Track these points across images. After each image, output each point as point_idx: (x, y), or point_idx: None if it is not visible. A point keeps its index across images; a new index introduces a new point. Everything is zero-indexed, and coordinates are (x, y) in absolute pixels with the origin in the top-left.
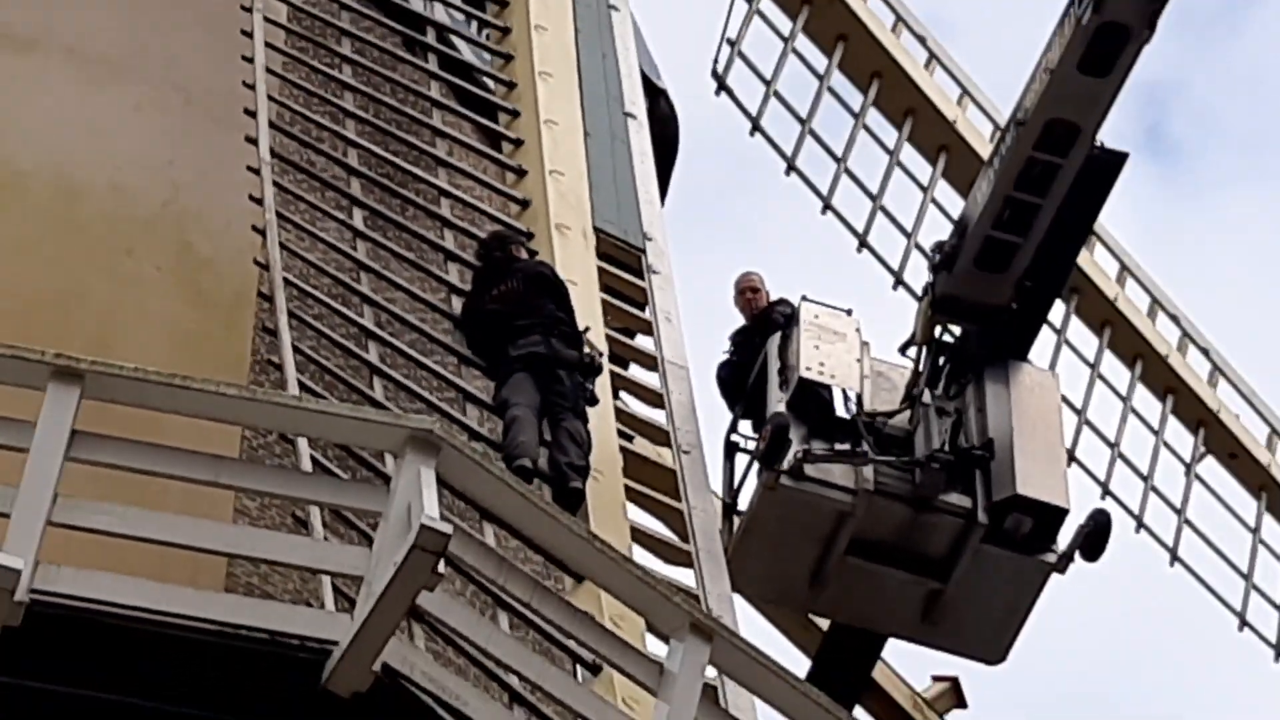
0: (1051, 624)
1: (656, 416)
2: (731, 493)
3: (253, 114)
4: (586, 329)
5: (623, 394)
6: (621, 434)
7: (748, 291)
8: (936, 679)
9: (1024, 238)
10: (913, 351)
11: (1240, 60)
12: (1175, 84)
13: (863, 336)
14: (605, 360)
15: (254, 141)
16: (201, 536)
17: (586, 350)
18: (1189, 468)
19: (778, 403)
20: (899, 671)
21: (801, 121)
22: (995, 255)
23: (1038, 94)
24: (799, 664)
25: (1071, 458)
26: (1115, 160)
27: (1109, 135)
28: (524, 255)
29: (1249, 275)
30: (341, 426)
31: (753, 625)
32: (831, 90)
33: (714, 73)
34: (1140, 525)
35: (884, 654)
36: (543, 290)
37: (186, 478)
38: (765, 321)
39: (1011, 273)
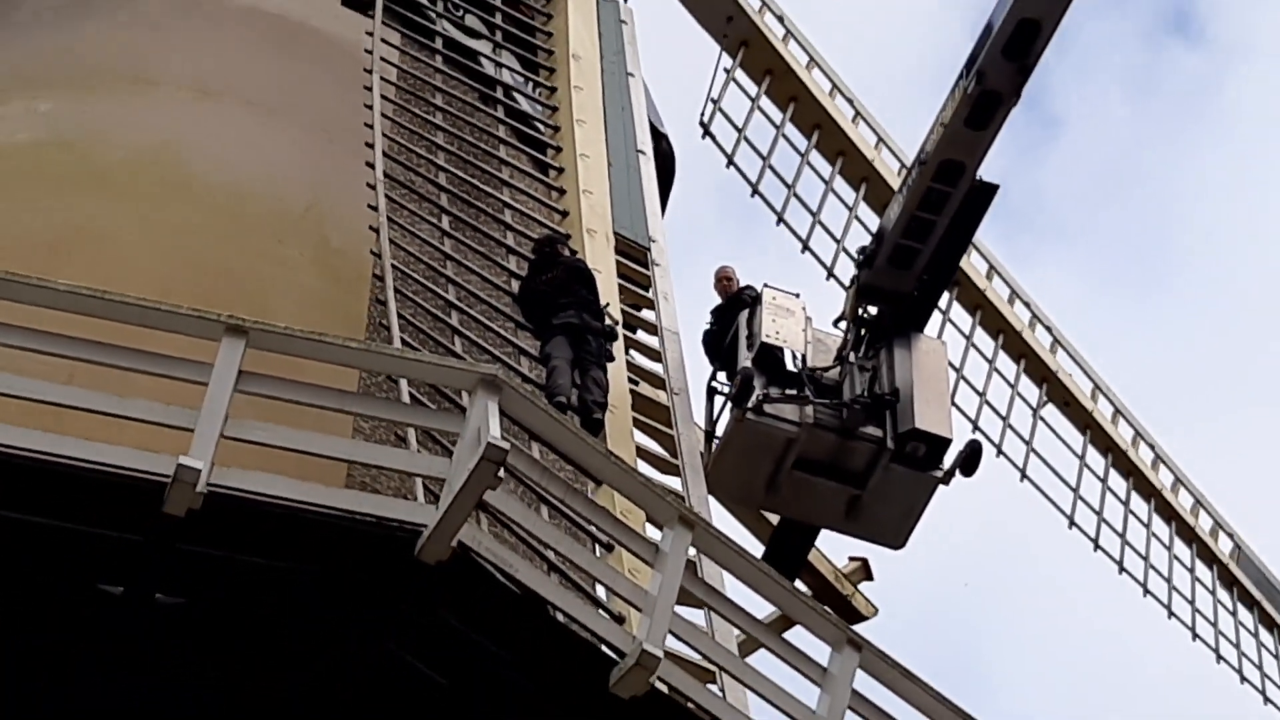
0: (936, 523)
1: (656, 368)
2: (710, 424)
3: (371, 146)
4: (607, 304)
5: (632, 351)
6: (630, 380)
7: (724, 280)
8: (852, 559)
9: (923, 244)
10: (843, 325)
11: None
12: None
13: (807, 313)
14: (620, 328)
15: (371, 165)
16: (332, 448)
17: (607, 321)
18: (1035, 411)
19: (745, 360)
20: (825, 553)
21: (763, 159)
22: (903, 256)
23: (935, 141)
24: (756, 548)
25: (953, 403)
26: (989, 190)
27: (985, 171)
28: (566, 253)
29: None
30: (432, 371)
31: (722, 519)
32: (785, 137)
33: (701, 122)
34: (1000, 452)
35: (816, 541)
36: (578, 278)
37: (324, 406)
38: (737, 301)
39: (914, 269)
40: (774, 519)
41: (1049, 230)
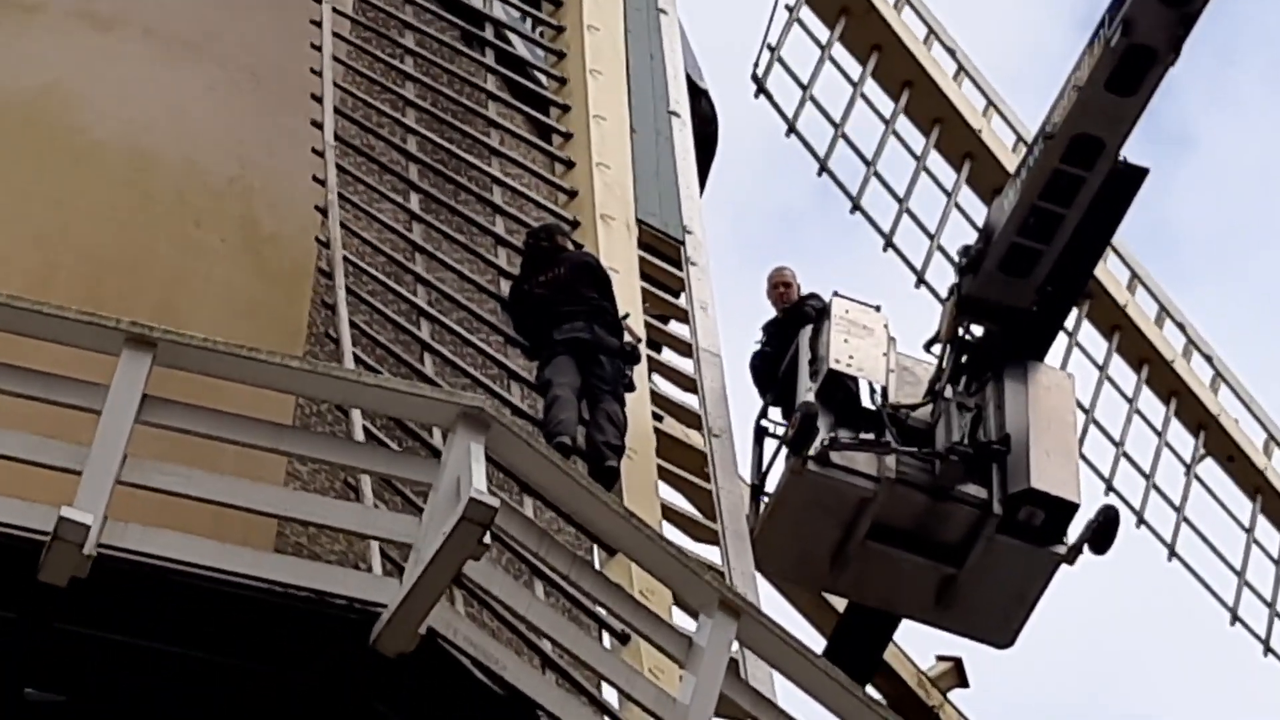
0: (1055, 611)
1: (689, 400)
2: (759, 476)
3: (319, 99)
4: (626, 315)
5: (657, 377)
6: (655, 415)
7: (780, 286)
8: (941, 659)
9: (1047, 245)
10: (937, 348)
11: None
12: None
13: (890, 332)
14: (642, 344)
15: (319, 125)
16: (262, 500)
17: (627, 338)
18: (1189, 468)
19: (807, 392)
20: (905, 651)
21: (835, 125)
22: (1019, 260)
23: (1066, 109)
24: (817, 642)
25: (1081, 455)
26: (1136, 174)
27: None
28: (570, 246)
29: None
30: (398, 401)
31: (774, 604)
32: (864, 97)
33: (754, 76)
34: (1141, 521)
35: (895, 635)
36: (588, 279)
37: (249, 444)
38: (797, 314)
39: (1034, 278)
40: (841, 604)
41: (1197, 240)
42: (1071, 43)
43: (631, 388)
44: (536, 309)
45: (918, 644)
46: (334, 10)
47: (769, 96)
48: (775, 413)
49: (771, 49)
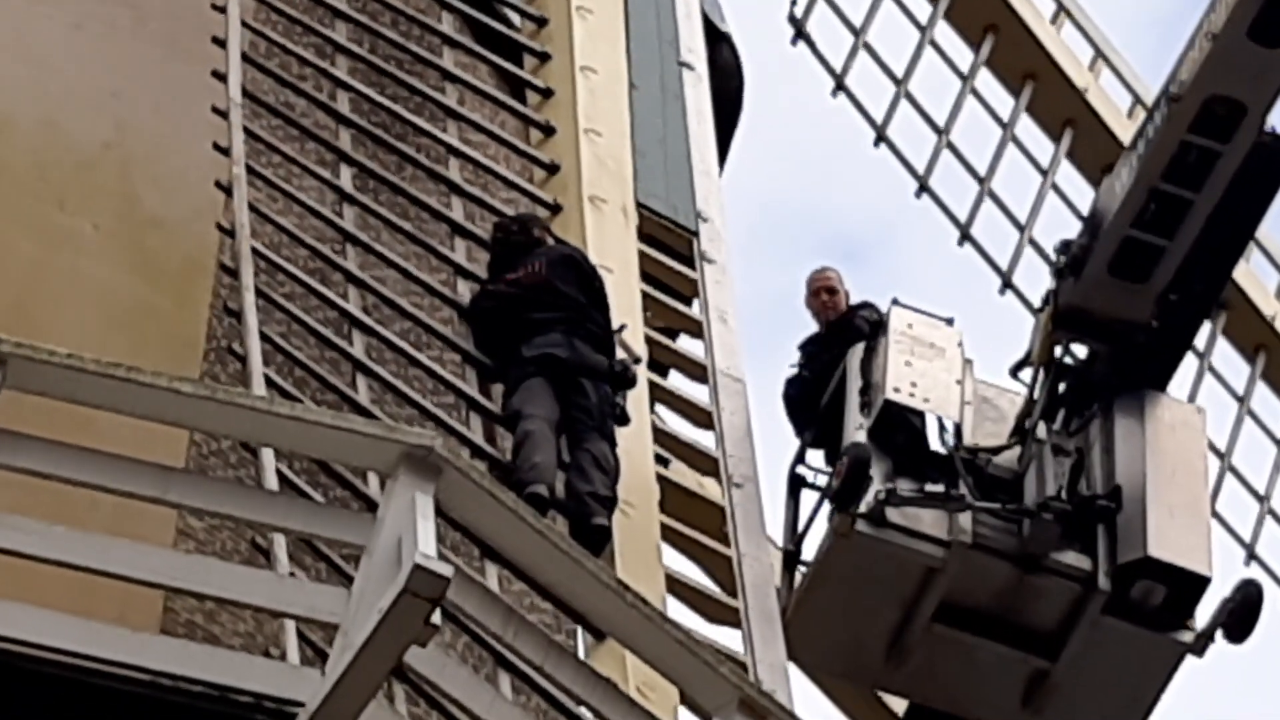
0: (1180, 716)
1: (703, 439)
2: (795, 538)
3: (222, 43)
4: (622, 328)
5: (662, 409)
6: (659, 459)
7: (823, 292)
8: None
9: (1171, 240)
10: (1027, 374)
11: None
12: None
13: (965, 353)
14: (644, 367)
15: (222, 78)
16: (142, 565)
17: (620, 356)
18: None
19: (857, 430)
20: None
21: (897, 82)
22: (1134, 260)
23: (1197, 64)
24: None
25: (1213, 513)
26: None
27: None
28: (550, 240)
29: None
30: (322, 438)
31: (809, 702)
32: (935, 45)
33: (791, 17)
34: None
35: None
36: (570, 277)
37: (127, 492)
38: (844, 329)
39: (1154, 283)
40: (900, 706)
41: None
42: None
43: (625, 421)
44: (502, 314)
45: None
46: None
47: (811, 44)
48: (816, 457)
49: None
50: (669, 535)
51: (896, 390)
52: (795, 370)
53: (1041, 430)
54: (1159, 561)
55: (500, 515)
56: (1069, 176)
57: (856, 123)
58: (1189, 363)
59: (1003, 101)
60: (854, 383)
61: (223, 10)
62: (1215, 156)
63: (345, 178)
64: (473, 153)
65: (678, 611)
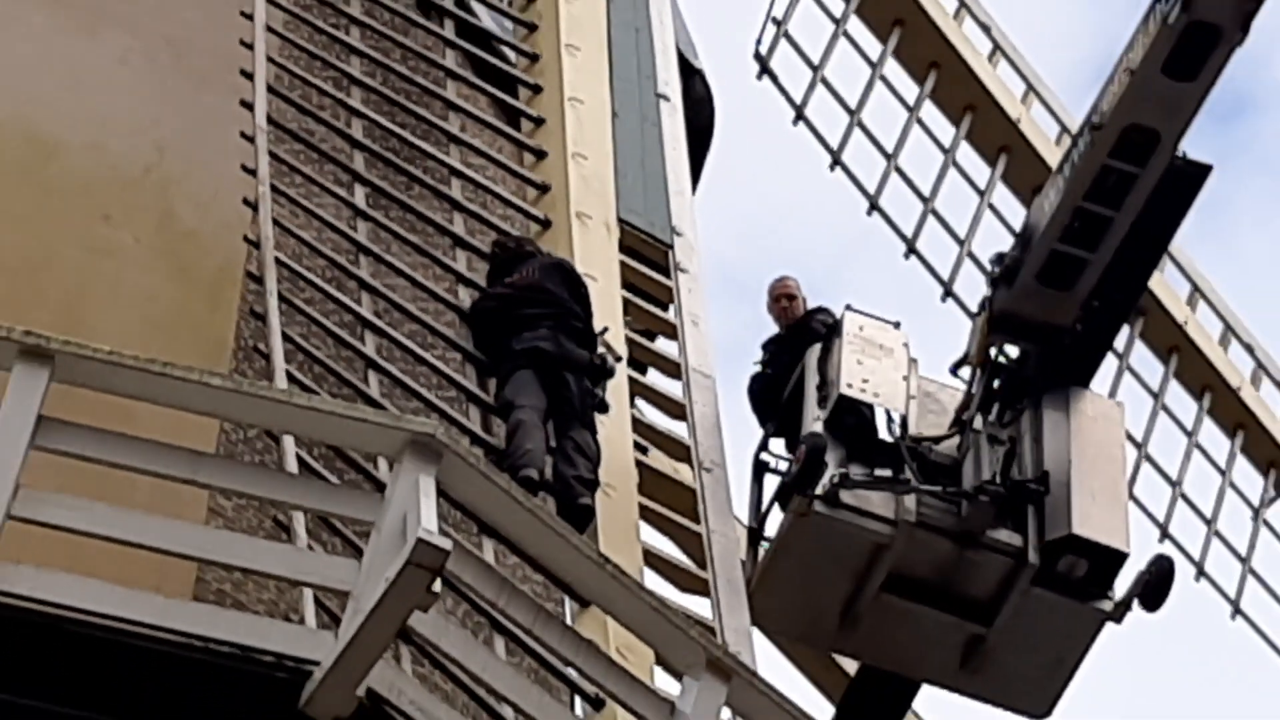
0: (1100, 676)
1: (677, 429)
2: (758, 517)
3: (250, 76)
4: (604, 330)
5: (640, 402)
6: (637, 446)
7: (783, 298)
8: None
9: (1093, 253)
10: (965, 372)
11: None
12: None
13: (911, 353)
14: (624, 364)
15: (249, 106)
16: (177, 539)
17: (599, 352)
18: (1257, 512)
19: (814, 421)
20: None
21: (850, 112)
22: (1061, 271)
23: (1116, 96)
24: (821, 709)
25: (1130, 496)
26: (1197, 173)
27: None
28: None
29: None
30: (337, 426)
31: (770, 663)
32: (885, 80)
33: (757, 54)
34: (1201, 573)
35: (914, 703)
36: (559, 280)
37: (163, 474)
38: (802, 331)
39: (1078, 291)
40: (852, 667)
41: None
42: (1125, 21)
43: (605, 409)
44: (496, 311)
45: (942, 713)
46: None
47: (774, 78)
48: (777, 445)
49: (777, 23)
50: (646, 514)
51: (849, 386)
52: (758, 368)
53: (978, 422)
54: (1082, 539)
55: (495, 496)
56: (1003, 196)
57: (815, 148)
58: (1109, 362)
59: (945, 130)
60: (811, 379)
61: (250, 47)
62: (1132, 179)
63: (359, 196)
64: (473, 174)
65: (653, 582)
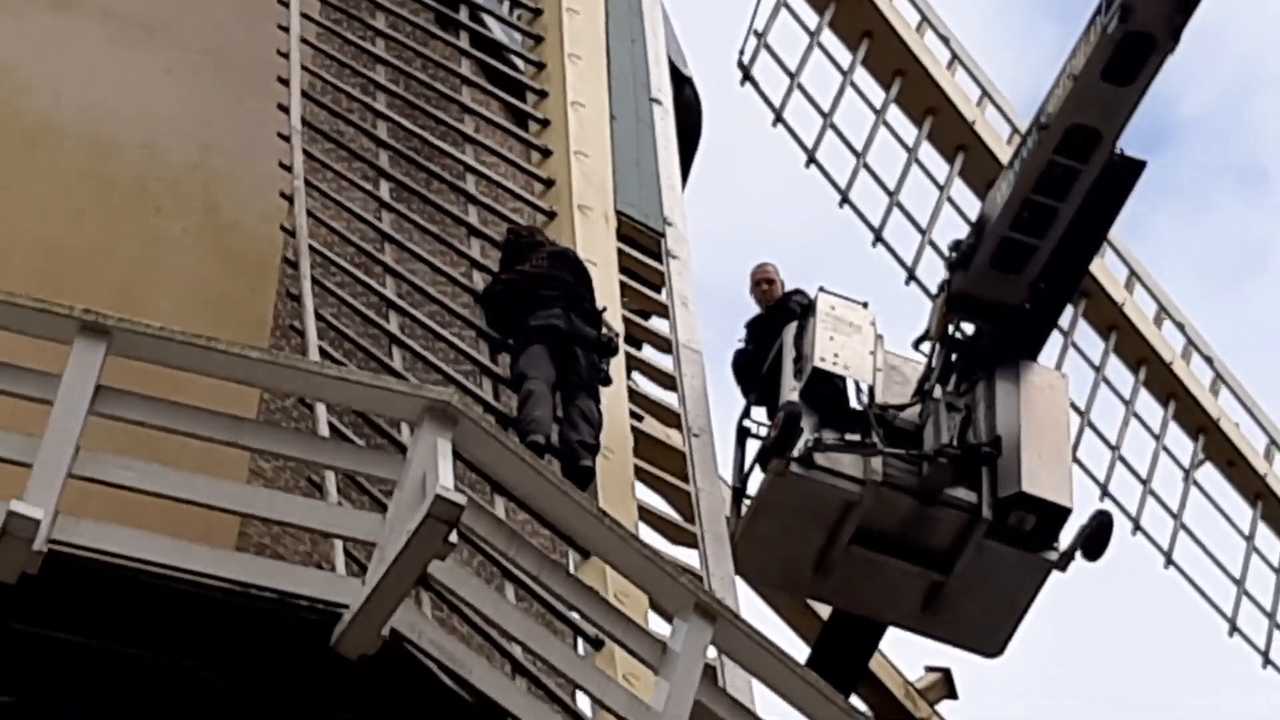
0: (1046, 620)
1: (668, 399)
2: (741, 478)
3: (285, 82)
4: (604, 309)
5: (636, 375)
6: (633, 414)
7: (763, 282)
8: (929, 669)
9: (1041, 240)
10: (926, 347)
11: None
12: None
13: (878, 330)
14: (620, 341)
15: (285, 109)
16: (221, 496)
17: (604, 330)
18: (1187, 473)
19: (791, 391)
20: (892, 660)
21: (824, 115)
22: (1011, 256)
23: (1061, 99)
24: (797, 650)
25: (1073, 458)
26: (1134, 167)
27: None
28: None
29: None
30: (363, 394)
31: (752, 608)
32: (854, 86)
33: (740, 63)
34: (1137, 528)
35: (881, 643)
36: (566, 267)
37: (208, 437)
38: (781, 311)
39: (1027, 274)
40: (825, 611)
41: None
42: (1069, 32)
43: (608, 382)
44: (513, 292)
45: (905, 653)
46: None
47: (755, 85)
48: (758, 413)
49: (758, 35)
50: (640, 475)
51: (822, 359)
52: (741, 344)
53: (937, 391)
54: (1031, 496)
55: (505, 457)
56: (960, 190)
57: (792, 148)
58: (1055, 338)
59: (908, 131)
60: (788, 354)
61: (286, 56)
62: (1075, 173)
63: (384, 190)
64: (486, 170)
65: (647, 535)
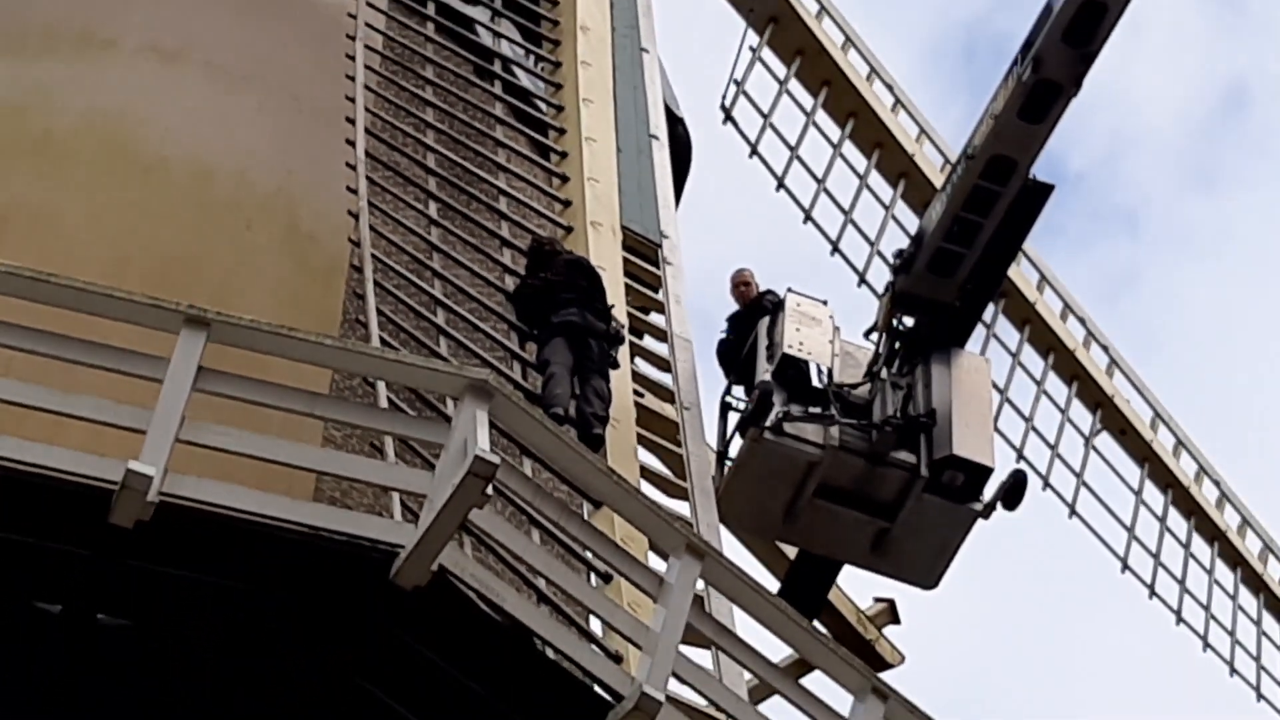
0: (972, 561)
1: (664, 379)
2: (724, 443)
3: (352, 121)
4: (612, 306)
5: (638, 359)
6: (635, 392)
7: (741, 284)
8: (877, 600)
9: (968, 249)
10: (875, 336)
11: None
12: None
13: (835, 323)
14: (625, 332)
15: (352, 143)
16: (301, 457)
17: (613, 324)
18: (1087, 440)
19: (764, 373)
20: (847, 592)
21: (790, 149)
22: (944, 262)
23: (984, 134)
24: (771, 583)
25: (995, 428)
26: (1043, 190)
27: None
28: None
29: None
30: (415, 375)
31: (734, 550)
32: (816, 125)
33: (722, 106)
34: (1046, 484)
35: (838, 579)
36: (581, 273)
37: (290, 409)
38: (756, 308)
39: (957, 277)
40: (791, 552)
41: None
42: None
43: (616, 366)
44: (539, 296)
45: (857, 586)
46: (366, 46)
47: (735, 123)
48: (738, 391)
49: (737, 83)
50: (641, 440)
51: (790, 347)
52: (723, 335)
53: (884, 373)
54: (960, 458)
55: (532, 426)
56: (902, 210)
57: (765, 175)
58: (980, 330)
59: (860, 161)
60: (763, 342)
61: (352, 100)
62: (996, 195)
63: (432, 209)
64: (515, 193)
65: (647, 489)
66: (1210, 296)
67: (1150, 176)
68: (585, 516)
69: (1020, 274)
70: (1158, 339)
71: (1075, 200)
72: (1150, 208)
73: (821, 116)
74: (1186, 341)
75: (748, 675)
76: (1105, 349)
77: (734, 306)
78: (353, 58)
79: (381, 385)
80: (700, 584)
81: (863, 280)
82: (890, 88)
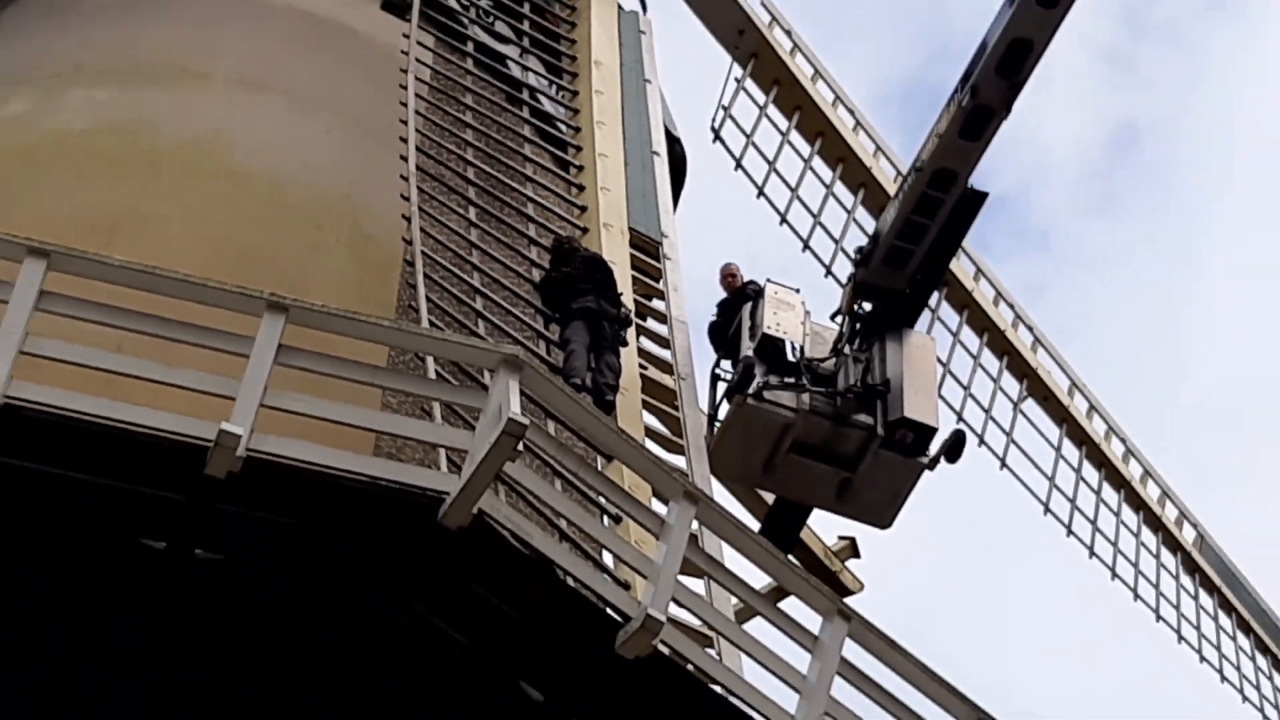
0: (920, 506)
1: (665, 354)
2: (714, 408)
3: (404, 140)
4: (621, 294)
5: (643, 338)
6: (640, 365)
7: (728, 276)
8: (841, 538)
9: (917, 246)
10: (839, 319)
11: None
12: None
13: (806, 307)
14: (632, 316)
15: (404, 158)
16: (364, 419)
17: (623, 309)
18: (1015, 405)
19: (748, 349)
20: (816, 531)
21: (769, 163)
22: (897, 257)
23: (930, 150)
24: (753, 524)
25: (939, 395)
26: (979, 197)
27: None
28: (583, 249)
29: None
30: (458, 351)
31: (723, 497)
32: (790, 143)
33: (712, 127)
34: (982, 441)
35: (808, 519)
36: (597, 268)
37: (354, 380)
38: (741, 295)
39: (907, 269)
40: (770, 498)
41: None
42: (935, 107)
43: (625, 344)
44: (561, 286)
45: (824, 526)
46: (416, 78)
47: (723, 142)
48: (725, 364)
49: (724, 108)
50: (646, 406)
51: (769, 328)
52: (714, 318)
53: (847, 349)
54: (910, 420)
55: (556, 393)
56: (862, 214)
57: (748, 185)
58: (926, 314)
59: (826, 173)
60: (746, 324)
61: (404, 122)
62: (940, 201)
63: (471, 213)
64: (540, 200)
65: (651, 446)
66: (1109, 308)
67: (1059, 202)
68: (599, 468)
69: (960, 267)
70: (1064, 342)
71: (998, 220)
72: (1058, 229)
73: (795, 136)
74: (1086, 346)
75: (734, 600)
76: (1030, 329)
77: (722, 294)
78: (405, 87)
79: (430, 360)
80: (695, 524)
81: (829, 272)
82: (852, 112)
